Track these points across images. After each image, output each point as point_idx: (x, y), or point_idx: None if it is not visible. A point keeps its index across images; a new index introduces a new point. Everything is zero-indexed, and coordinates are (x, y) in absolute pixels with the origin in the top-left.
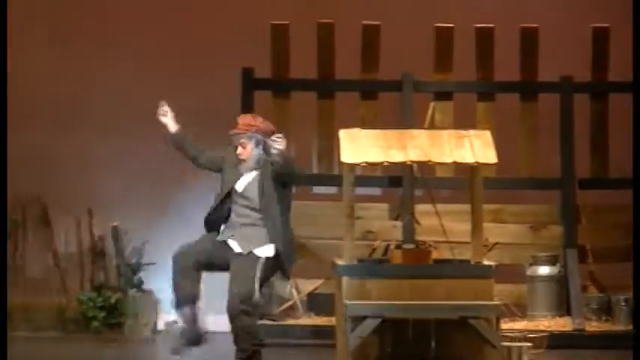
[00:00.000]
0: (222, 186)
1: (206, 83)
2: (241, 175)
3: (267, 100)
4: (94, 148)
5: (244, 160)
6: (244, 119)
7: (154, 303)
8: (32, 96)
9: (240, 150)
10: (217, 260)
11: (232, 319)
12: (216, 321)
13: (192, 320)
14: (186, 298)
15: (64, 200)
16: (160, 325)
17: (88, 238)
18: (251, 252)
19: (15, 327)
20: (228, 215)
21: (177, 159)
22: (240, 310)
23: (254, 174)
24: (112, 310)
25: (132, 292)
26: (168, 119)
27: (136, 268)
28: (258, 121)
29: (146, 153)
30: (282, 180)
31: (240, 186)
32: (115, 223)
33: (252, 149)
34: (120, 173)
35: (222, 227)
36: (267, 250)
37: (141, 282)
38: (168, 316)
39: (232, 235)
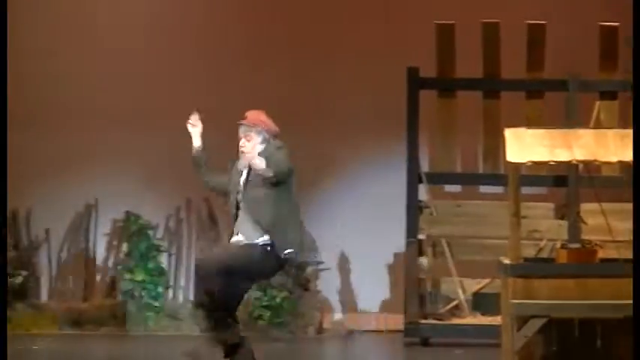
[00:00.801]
0: (229, 191)
1: (372, 83)
2: (241, 173)
3: (432, 100)
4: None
5: (244, 154)
6: (254, 113)
7: (319, 302)
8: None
9: (243, 142)
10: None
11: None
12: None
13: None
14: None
15: None
16: (325, 325)
17: None
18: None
19: (182, 326)
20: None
21: None
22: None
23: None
24: (278, 309)
25: (297, 291)
26: (196, 130)
27: (302, 268)
28: (267, 119)
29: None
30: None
31: (242, 183)
32: None
33: (257, 145)
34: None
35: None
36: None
37: (307, 281)
38: (333, 315)
39: (239, 233)
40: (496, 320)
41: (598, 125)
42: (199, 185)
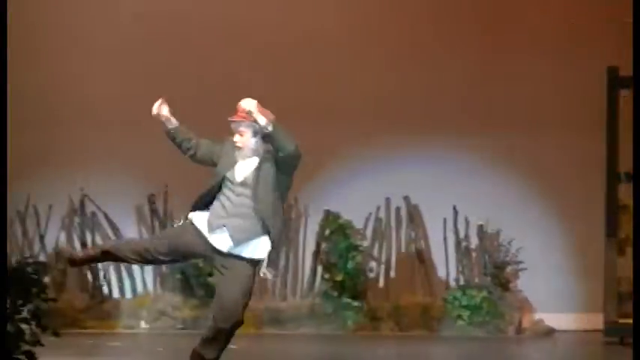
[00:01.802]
0: (217, 173)
1: (565, 82)
2: (236, 162)
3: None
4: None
5: (241, 148)
6: (242, 109)
7: (518, 302)
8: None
9: (237, 137)
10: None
11: (232, 327)
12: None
13: None
14: None
15: (430, 198)
16: (525, 324)
17: (452, 236)
18: (251, 258)
19: (384, 326)
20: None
21: None
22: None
23: (254, 163)
24: (477, 308)
25: (497, 291)
26: (167, 114)
27: (502, 268)
28: (258, 110)
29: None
30: (290, 167)
31: (239, 175)
32: (480, 222)
33: (250, 138)
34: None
35: (207, 216)
36: (263, 249)
37: (507, 281)
38: (533, 315)
39: (224, 226)
40: None
41: None
42: (398, 183)
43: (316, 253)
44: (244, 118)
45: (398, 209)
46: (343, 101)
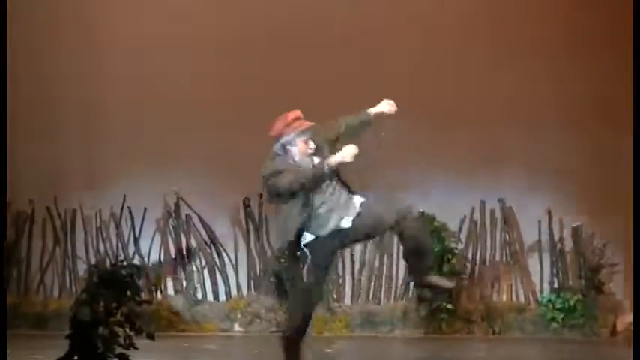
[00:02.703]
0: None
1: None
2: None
3: None
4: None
5: (312, 154)
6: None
7: (613, 304)
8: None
9: (312, 144)
10: None
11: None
12: None
13: None
14: None
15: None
16: (619, 327)
17: (547, 239)
18: None
19: (478, 329)
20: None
21: None
22: None
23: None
24: (572, 311)
25: (591, 293)
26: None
27: (596, 270)
28: None
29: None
30: None
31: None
32: (576, 224)
33: None
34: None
35: (332, 217)
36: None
37: (601, 284)
38: (627, 317)
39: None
40: None
41: None
42: (491, 186)
43: None
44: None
45: (492, 212)
46: (424, 98)
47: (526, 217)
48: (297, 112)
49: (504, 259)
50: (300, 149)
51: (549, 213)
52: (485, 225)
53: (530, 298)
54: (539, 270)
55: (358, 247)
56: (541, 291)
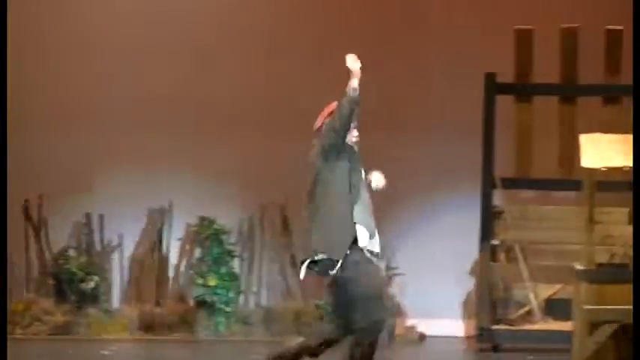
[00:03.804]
0: (356, 179)
1: (448, 87)
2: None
3: (509, 105)
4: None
5: (357, 142)
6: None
7: (392, 308)
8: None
9: (356, 132)
10: None
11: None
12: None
13: None
14: None
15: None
16: (398, 330)
17: None
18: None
19: (256, 332)
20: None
21: None
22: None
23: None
24: None
25: None
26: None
27: None
28: None
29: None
30: None
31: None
32: None
33: None
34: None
35: (363, 232)
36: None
37: None
38: (406, 321)
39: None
40: (568, 326)
41: None
42: (274, 190)
43: (190, 259)
44: None
45: (271, 216)
46: (218, 108)
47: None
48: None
49: (282, 263)
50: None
51: None
52: (264, 228)
53: (310, 300)
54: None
55: (131, 246)
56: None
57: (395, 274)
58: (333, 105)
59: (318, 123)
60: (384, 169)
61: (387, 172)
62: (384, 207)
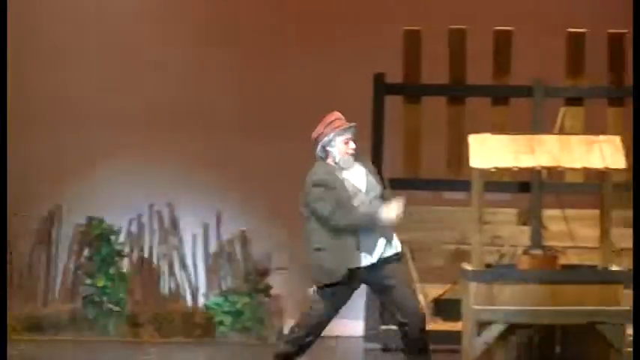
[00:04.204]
0: (344, 197)
1: (337, 88)
2: (346, 172)
3: (398, 105)
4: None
5: (353, 156)
6: (342, 116)
7: (280, 308)
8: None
9: (353, 144)
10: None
11: (421, 330)
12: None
13: None
14: None
15: (191, 205)
16: (286, 331)
17: (215, 243)
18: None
19: (142, 332)
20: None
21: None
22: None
23: (359, 169)
24: (239, 315)
25: (258, 297)
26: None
27: (264, 274)
28: None
29: (273, 158)
30: None
31: (361, 185)
32: (242, 228)
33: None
34: (245, 178)
35: (360, 240)
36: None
37: (269, 287)
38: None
39: (387, 238)
40: (457, 326)
41: (562, 131)
42: (163, 190)
43: (79, 259)
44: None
45: (160, 216)
46: (110, 104)
47: (195, 220)
48: (337, 114)
49: (172, 263)
50: (339, 149)
51: (218, 217)
52: (153, 227)
53: (199, 301)
54: (207, 273)
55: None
56: (208, 295)
57: (281, 274)
58: (334, 115)
59: (317, 131)
60: (270, 168)
61: (274, 170)
62: (275, 209)
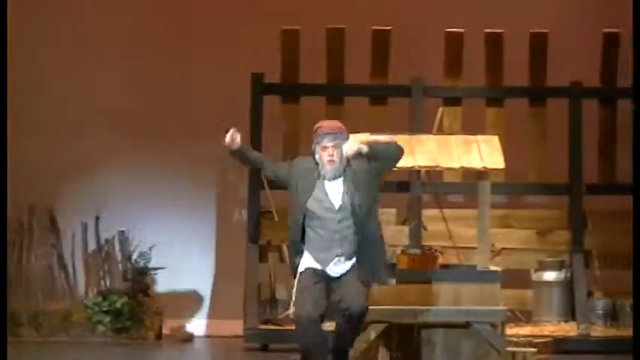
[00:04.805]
0: (301, 200)
1: (216, 87)
2: (323, 186)
3: (276, 105)
4: (101, 153)
5: (333, 163)
6: (332, 122)
7: (159, 308)
8: (38, 101)
9: (331, 151)
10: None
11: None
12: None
13: None
14: None
15: (72, 204)
16: (165, 330)
17: (94, 242)
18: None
19: (22, 332)
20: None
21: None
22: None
23: (340, 181)
24: (118, 314)
25: (138, 296)
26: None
27: (142, 273)
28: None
29: (154, 157)
30: (376, 170)
31: (336, 200)
32: (122, 228)
33: (342, 153)
34: (127, 178)
35: (312, 251)
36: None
37: (147, 287)
38: (174, 321)
39: (340, 254)
40: (333, 326)
41: (441, 131)
42: (42, 189)
43: None
44: (341, 131)
45: (39, 216)
46: None
47: (74, 220)
48: (325, 121)
49: (51, 263)
50: (320, 156)
51: (97, 217)
52: (32, 226)
53: (78, 301)
54: (86, 273)
55: None
56: (87, 294)
57: (157, 274)
58: (319, 123)
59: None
60: (149, 169)
61: (153, 171)
62: (154, 209)
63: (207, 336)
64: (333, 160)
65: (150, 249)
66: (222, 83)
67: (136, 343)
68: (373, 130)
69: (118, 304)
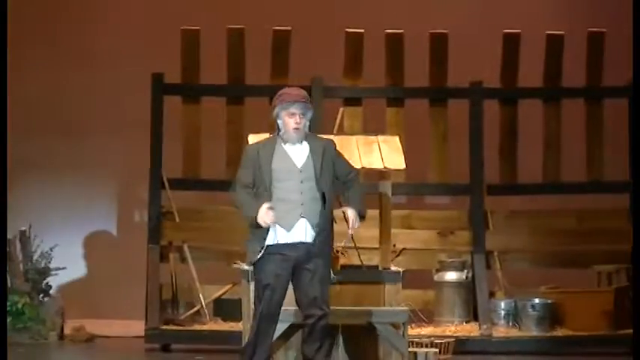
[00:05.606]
0: (264, 166)
1: (116, 87)
2: (284, 151)
3: (177, 106)
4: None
5: (299, 131)
6: (298, 90)
7: (60, 308)
8: None
9: (298, 119)
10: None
11: (317, 321)
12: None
13: None
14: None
15: None
16: (67, 330)
17: None
18: (325, 246)
19: None
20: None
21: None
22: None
23: (304, 147)
24: (19, 314)
25: (39, 296)
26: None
27: (43, 273)
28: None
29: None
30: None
31: (298, 161)
32: (22, 227)
33: (306, 122)
34: (32, 176)
35: (277, 213)
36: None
37: (49, 287)
38: (75, 321)
39: (303, 215)
40: (237, 326)
41: (341, 131)
42: None
43: None
44: (306, 100)
45: None
46: None
47: None
48: (289, 88)
49: None
50: (285, 122)
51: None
52: None
53: None
54: None
55: None
56: None
57: (57, 274)
58: (285, 90)
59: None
60: (52, 166)
61: (56, 168)
62: (56, 208)
63: (109, 336)
64: (299, 128)
65: (51, 249)
66: (123, 82)
67: (37, 343)
68: (273, 131)
69: (19, 305)
